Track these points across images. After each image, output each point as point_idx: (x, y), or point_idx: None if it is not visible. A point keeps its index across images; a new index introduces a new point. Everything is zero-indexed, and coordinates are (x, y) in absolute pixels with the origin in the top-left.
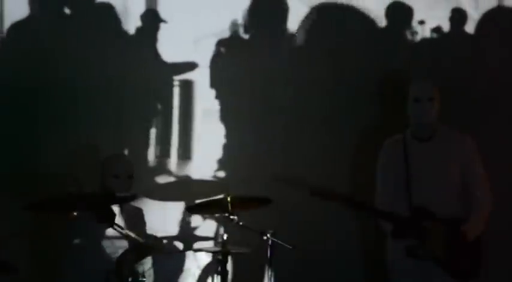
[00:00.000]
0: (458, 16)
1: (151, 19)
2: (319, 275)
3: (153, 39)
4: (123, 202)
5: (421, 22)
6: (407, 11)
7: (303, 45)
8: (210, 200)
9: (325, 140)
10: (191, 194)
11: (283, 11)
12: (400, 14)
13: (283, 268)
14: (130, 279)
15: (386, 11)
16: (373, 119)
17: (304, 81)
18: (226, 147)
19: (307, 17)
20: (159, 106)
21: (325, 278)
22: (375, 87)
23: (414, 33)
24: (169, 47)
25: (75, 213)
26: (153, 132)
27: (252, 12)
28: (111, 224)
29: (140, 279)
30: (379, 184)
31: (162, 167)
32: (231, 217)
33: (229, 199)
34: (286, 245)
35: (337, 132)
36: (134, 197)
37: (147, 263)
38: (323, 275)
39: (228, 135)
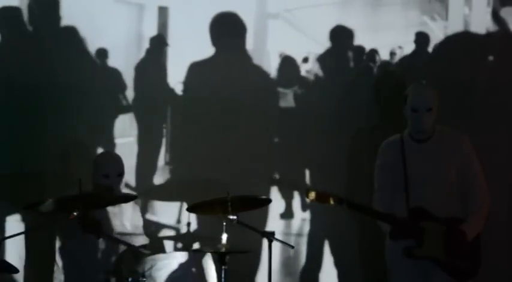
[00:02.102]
0: (422, 39)
1: (158, 42)
2: (318, 274)
3: (159, 58)
4: (122, 202)
5: (400, 47)
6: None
7: None
8: (210, 200)
9: (323, 141)
10: (191, 194)
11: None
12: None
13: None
14: (130, 280)
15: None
16: (370, 119)
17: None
18: (226, 149)
19: None
20: (167, 118)
21: (324, 278)
22: (373, 88)
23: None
24: (178, 66)
25: (75, 213)
26: (163, 140)
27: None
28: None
29: (140, 279)
30: (376, 185)
31: (171, 171)
32: (231, 217)
33: (229, 199)
34: (286, 244)
35: (334, 133)
36: (134, 197)
37: (147, 263)
38: (322, 275)
39: (228, 138)
